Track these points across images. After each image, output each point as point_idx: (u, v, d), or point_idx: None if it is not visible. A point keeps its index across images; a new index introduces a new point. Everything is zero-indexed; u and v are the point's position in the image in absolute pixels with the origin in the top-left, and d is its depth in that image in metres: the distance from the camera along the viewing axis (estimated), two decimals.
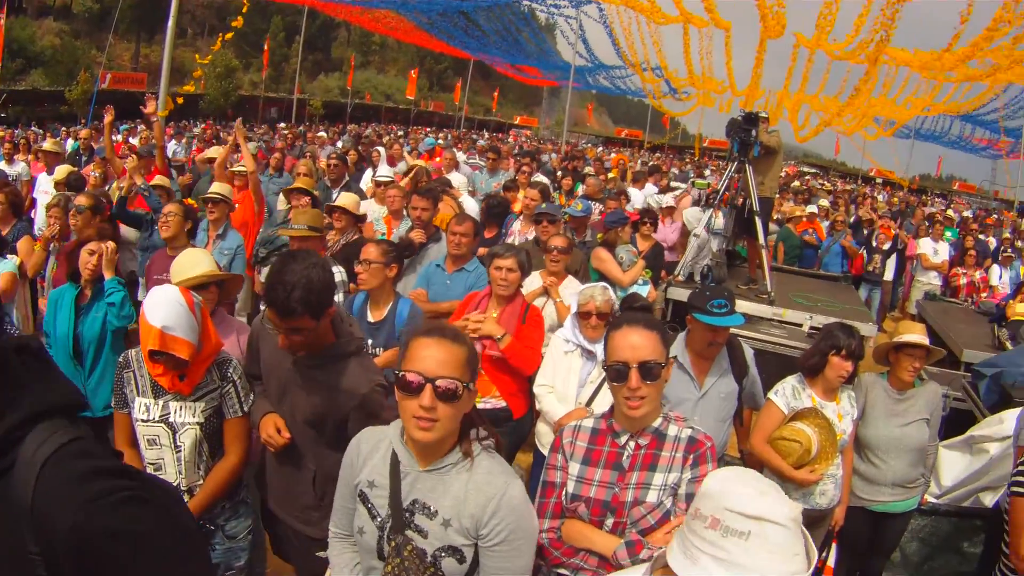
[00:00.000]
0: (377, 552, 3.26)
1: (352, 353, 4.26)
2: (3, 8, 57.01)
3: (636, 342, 3.60)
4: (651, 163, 31.14)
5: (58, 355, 6.26)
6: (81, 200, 8.38)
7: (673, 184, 20.07)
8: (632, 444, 3.69)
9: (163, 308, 4.24)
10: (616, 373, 3.58)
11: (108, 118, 11.53)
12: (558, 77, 67.85)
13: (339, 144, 23.39)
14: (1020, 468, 4.89)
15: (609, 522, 3.65)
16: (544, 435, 6.38)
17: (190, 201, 8.72)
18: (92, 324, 6.36)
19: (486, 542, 3.12)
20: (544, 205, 9.32)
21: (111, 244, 6.51)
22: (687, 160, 52.81)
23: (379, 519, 3.26)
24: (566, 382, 6.17)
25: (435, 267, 7.99)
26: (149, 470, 4.38)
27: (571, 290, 7.59)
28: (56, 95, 66.67)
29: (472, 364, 3.21)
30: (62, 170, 11.87)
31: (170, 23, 16.77)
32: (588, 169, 19.02)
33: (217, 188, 9.09)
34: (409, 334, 3.42)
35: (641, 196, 16.62)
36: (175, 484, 4.36)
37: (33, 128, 43.40)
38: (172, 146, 21.86)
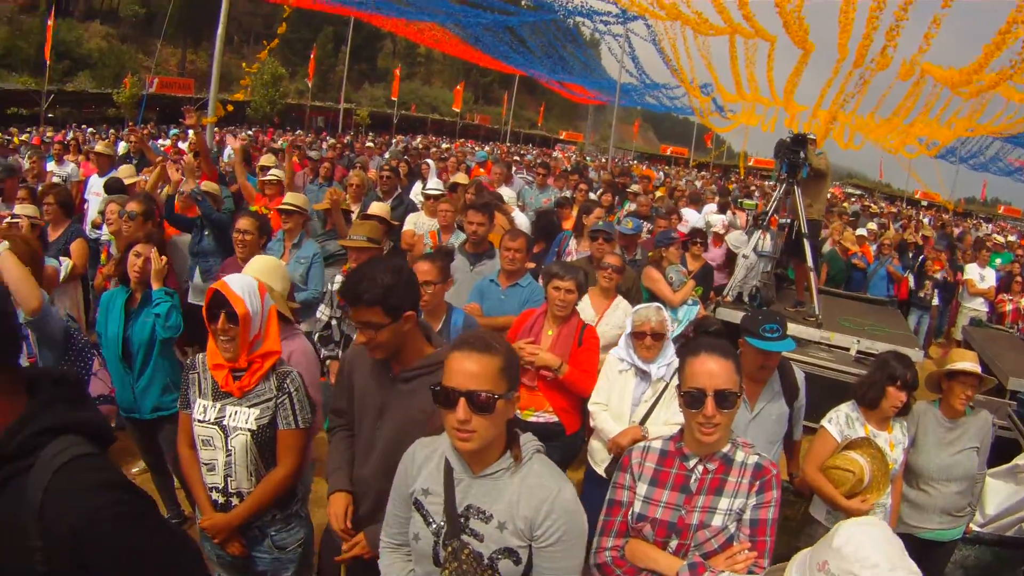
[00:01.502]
0: (433, 558, 3.32)
1: None
2: (51, 10, 58.12)
3: (713, 369, 3.64)
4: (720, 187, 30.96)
5: (108, 356, 6.47)
6: (133, 206, 8.40)
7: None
8: (700, 468, 3.73)
9: (237, 276, 4.61)
10: (692, 399, 3.62)
11: (144, 131, 11.65)
12: (603, 94, 67.72)
13: (386, 156, 23.50)
14: None
15: (673, 544, 3.69)
16: (597, 452, 6.38)
17: (263, 210, 8.77)
18: (141, 328, 6.43)
19: (540, 543, 3.17)
20: (600, 223, 9.29)
21: (163, 258, 6.57)
22: (733, 180, 52.53)
23: (434, 525, 3.32)
24: (621, 400, 6.17)
25: (489, 282, 7.98)
26: (204, 470, 4.53)
27: (621, 310, 7.69)
28: (103, 97, 67.66)
29: (509, 372, 3.26)
30: (125, 170, 12.03)
31: (219, 31, 16.97)
32: (635, 187, 18.91)
33: (292, 199, 9.11)
34: (446, 347, 3.66)
35: (698, 216, 16.46)
36: (223, 486, 4.50)
37: (84, 129, 43.71)
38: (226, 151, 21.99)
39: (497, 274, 8.03)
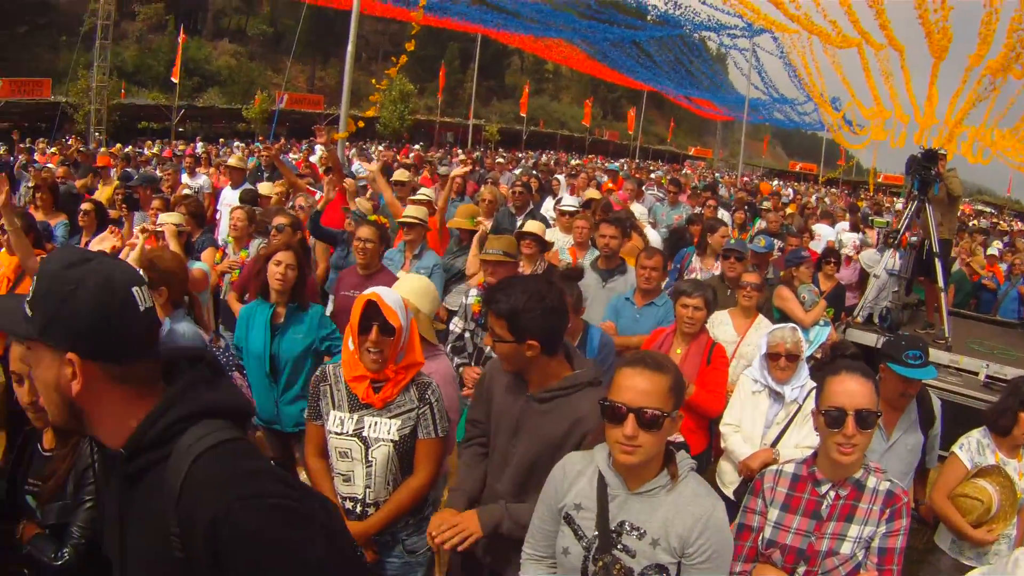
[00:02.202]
0: (582, 572, 3.35)
1: (588, 383, 4.18)
2: (180, 29, 59.92)
3: (854, 389, 3.64)
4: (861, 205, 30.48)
5: (252, 370, 6.50)
6: (281, 219, 8.57)
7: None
8: (832, 493, 3.73)
9: (386, 289, 4.60)
10: (831, 419, 3.62)
11: (276, 146, 11.90)
12: (731, 110, 67.19)
13: (517, 172, 23.61)
14: None
15: (801, 570, 3.71)
16: (726, 474, 6.37)
17: (383, 220, 8.92)
18: (291, 345, 6.44)
19: (691, 560, 3.20)
20: (732, 241, 9.29)
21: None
22: (863, 196, 51.56)
23: (585, 540, 3.35)
24: (752, 422, 6.16)
25: (624, 300, 7.96)
26: (338, 481, 4.60)
27: (764, 329, 7.54)
28: (233, 113, 69.33)
29: (676, 391, 3.30)
30: (265, 187, 12.36)
31: (349, 48, 17.37)
32: (766, 204, 18.75)
33: (413, 211, 9.19)
34: (584, 371, 3.75)
35: (832, 231, 16.22)
36: (362, 496, 4.54)
37: (215, 143, 44.77)
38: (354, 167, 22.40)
39: (632, 292, 8.00)
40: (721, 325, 7.78)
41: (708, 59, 60.01)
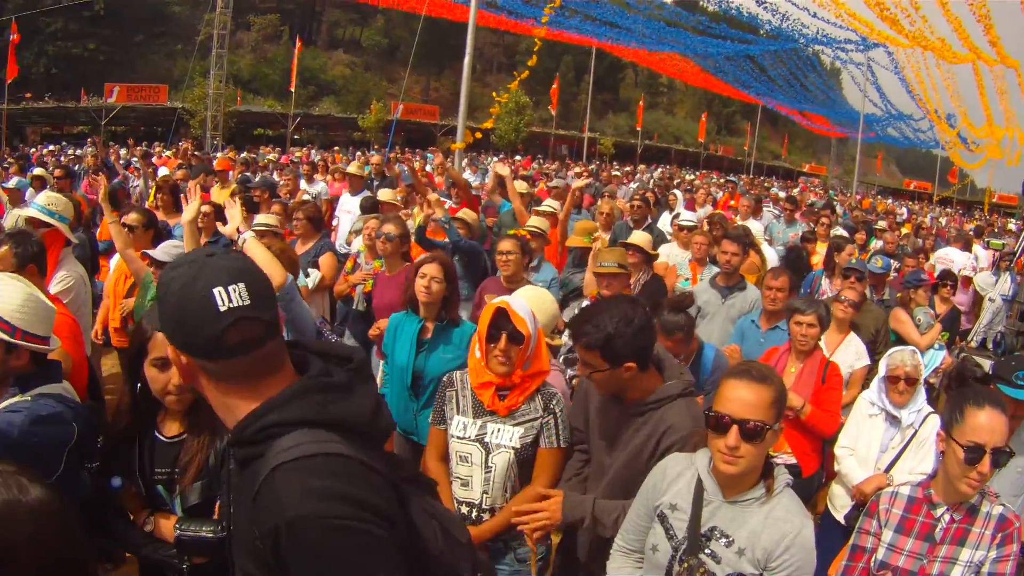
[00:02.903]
0: (666, 571, 3.44)
1: (679, 395, 4.15)
2: (295, 39, 61.13)
3: (996, 426, 3.61)
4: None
5: (394, 382, 6.30)
6: (389, 228, 8.34)
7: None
8: (947, 517, 3.75)
9: (515, 297, 4.70)
10: (971, 455, 3.58)
11: (417, 165, 12.02)
12: (845, 127, 66.36)
13: (632, 186, 23.67)
14: None
15: None
16: (837, 497, 6.27)
17: (523, 232, 8.96)
18: (437, 364, 6.05)
19: (772, 574, 3.26)
20: (853, 260, 9.15)
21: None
22: (976, 217, 50.54)
23: (675, 540, 3.43)
24: (868, 446, 6.09)
25: (750, 323, 7.91)
26: (456, 486, 4.61)
27: (853, 348, 7.61)
28: (348, 122, 70.64)
29: (779, 404, 3.33)
30: (386, 194, 12.43)
31: (466, 60, 17.67)
32: (881, 224, 18.55)
33: (536, 222, 9.29)
34: (723, 372, 3.75)
35: (965, 259, 15.64)
36: (478, 502, 4.52)
37: (331, 151, 45.46)
38: (468, 177, 22.55)
39: (759, 315, 7.87)
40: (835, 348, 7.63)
41: (823, 73, 59.43)
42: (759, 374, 3.37)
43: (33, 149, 39.55)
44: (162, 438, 3.83)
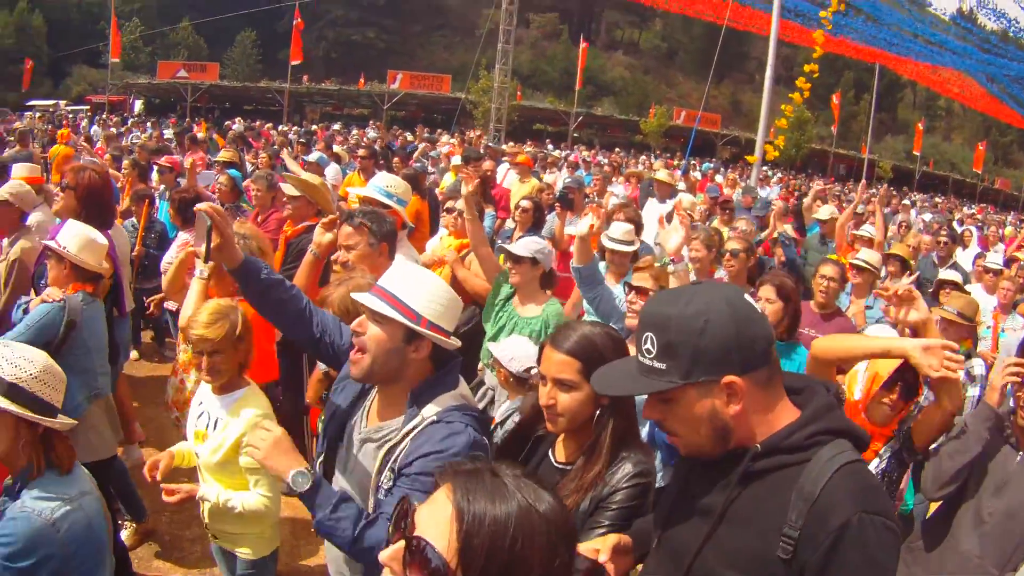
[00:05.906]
0: None
1: None
2: (579, 38, 62.09)
3: None
4: None
5: None
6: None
7: None
8: None
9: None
10: None
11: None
12: None
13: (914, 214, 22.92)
14: None
15: None
16: None
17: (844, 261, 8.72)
18: None
19: None
20: None
21: None
22: None
23: None
24: None
25: None
26: None
27: None
28: (629, 124, 71.47)
29: None
30: (685, 199, 12.45)
31: (768, 72, 17.36)
32: None
33: (866, 256, 9.05)
34: None
35: None
36: None
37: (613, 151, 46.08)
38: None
39: None
40: None
41: None
42: None
43: (315, 126, 42.33)
44: (553, 461, 3.57)
